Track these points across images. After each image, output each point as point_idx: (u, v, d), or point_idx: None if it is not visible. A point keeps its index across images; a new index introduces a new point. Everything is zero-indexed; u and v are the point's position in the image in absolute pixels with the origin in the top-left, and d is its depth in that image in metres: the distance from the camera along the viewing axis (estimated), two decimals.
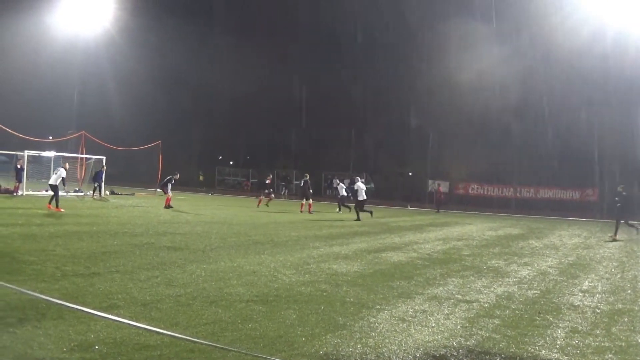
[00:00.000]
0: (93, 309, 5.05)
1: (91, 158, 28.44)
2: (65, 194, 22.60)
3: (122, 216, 15.62)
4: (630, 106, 35.20)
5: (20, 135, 25.12)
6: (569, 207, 34.90)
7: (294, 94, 48.76)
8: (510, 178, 40.07)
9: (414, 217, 24.67)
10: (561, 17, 34.60)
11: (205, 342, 4.33)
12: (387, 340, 4.70)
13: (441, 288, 7.23)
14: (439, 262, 9.74)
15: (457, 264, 9.71)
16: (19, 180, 23.02)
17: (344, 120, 47.64)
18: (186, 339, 4.35)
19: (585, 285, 8.12)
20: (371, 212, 20.67)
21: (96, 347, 4.05)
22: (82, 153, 29.15)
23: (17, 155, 24.70)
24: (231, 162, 57.93)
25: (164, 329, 4.56)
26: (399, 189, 44.13)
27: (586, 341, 5.01)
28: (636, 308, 6.63)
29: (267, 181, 25.91)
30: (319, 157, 49.59)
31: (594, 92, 35.60)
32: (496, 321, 5.58)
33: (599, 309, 6.45)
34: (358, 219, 19.37)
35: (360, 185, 20.54)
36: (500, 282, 7.92)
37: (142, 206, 20.67)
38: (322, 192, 43.60)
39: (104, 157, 27.11)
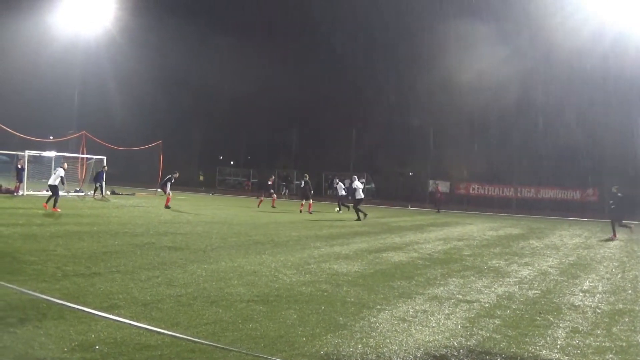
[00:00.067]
0: (94, 309, 5.06)
1: (92, 158, 28.46)
2: (66, 194, 22.62)
3: (123, 216, 15.63)
4: (630, 106, 35.18)
5: (21, 135, 25.14)
6: (570, 207, 34.89)
7: (294, 93, 48.73)
8: (511, 178, 40.04)
9: (414, 217, 24.67)
10: (561, 17, 34.57)
11: (206, 342, 4.33)
12: (388, 340, 4.70)
13: (442, 288, 7.23)
14: (440, 262, 9.74)
15: (457, 264, 9.71)
16: (20, 180, 23.04)
17: (344, 120, 47.61)
18: (187, 339, 4.35)
19: (586, 285, 8.11)
20: (365, 215, 19.93)
21: (97, 347, 4.05)
22: (82, 153, 29.17)
23: (17, 155, 24.71)
24: (232, 162, 57.96)
25: (164, 329, 4.57)
26: (400, 189, 44.10)
27: (587, 341, 5.01)
28: (637, 308, 6.62)
29: (269, 182, 26.00)
30: (319, 157, 49.58)
31: (594, 92, 35.55)
32: (497, 321, 5.58)
33: (599, 309, 6.45)
34: (358, 219, 19.37)
35: (358, 184, 20.48)
36: (501, 282, 7.92)
37: (142, 206, 20.68)
38: (322, 192, 43.59)
39: (104, 157, 27.12)
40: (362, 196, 20.38)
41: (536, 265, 10.07)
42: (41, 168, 25.56)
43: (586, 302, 6.77)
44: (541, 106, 39.62)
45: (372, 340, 4.69)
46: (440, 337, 4.91)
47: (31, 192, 22.81)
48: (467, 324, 5.40)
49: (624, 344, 4.98)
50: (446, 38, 40.60)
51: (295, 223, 16.91)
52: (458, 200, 39.06)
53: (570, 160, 37.11)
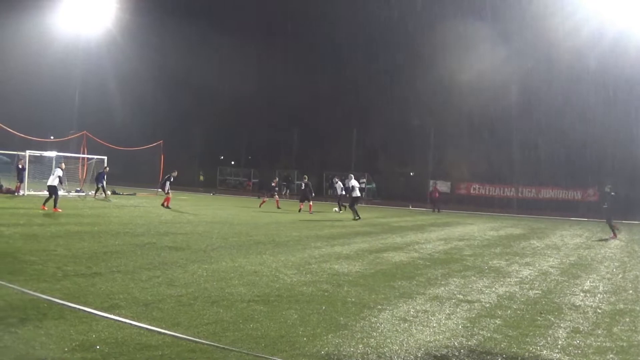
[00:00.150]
0: (94, 309, 5.06)
1: (93, 158, 28.48)
2: (66, 193, 22.64)
3: (124, 216, 15.64)
4: (631, 106, 35.13)
5: (22, 135, 25.17)
6: (571, 207, 34.84)
7: (294, 93, 48.75)
8: (512, 178, 40.02)
9: (415, 217, 24.65)
10: (561, 18, 34.52)
11: (206, 342, 4.33)
12: (389, 340, 4.70)
13: (443, 288, 7.23)
14: (441, 262, 9.74)
15: (458, 264, 9.71)
16: (21, 180, 23.05)
17: (345, 120, 47.62)
18: (188, 339, 4.36)
19: (587, 285, 8.10)
20: (358, 217, 19.51)
21: (97, 347, 4.05)
22: (83, 153, 29.19)
23: (18, 155, 24.74)
24: (232, 162, 57.95)
25: (165, 329, 4.57)
26: (401, 189, 44.07)
27: (587, 341, 5.00)
28: (638, 308, 6.61)
29: (273, 184, 26.03)
30: (320, 157, 49.58)
31: (594, 92, 35.52)
32: (498, 321, 5.58)
33: (600, 309, 6.44)
34: (357, 218, 19.33)
35: (354, 183, 20.42)
36: (501, 282, 7.91)
37: (143, 206, 20.69)
38: (323, 192, 43.57)
39: (105, 157, 27.14)
40: (359, 195, 20.34)
41: (537, 265, 10.07)
42: (42, 168, 25.56)
43: (587, 302, 6.77)
44: (542, 106, 39.60)
45: (373, 340, 4.68)
46: (441, 337, 4.91)
47: (32, 192, 22.83)
48: (468, 324, 5.40)
49: (624, 344, 4.97)
50: (446, 38, 40.54)
51: (296, 223, 16.91)
52: (459, 200, 39.04)
53: (571, 160, 37.06)
